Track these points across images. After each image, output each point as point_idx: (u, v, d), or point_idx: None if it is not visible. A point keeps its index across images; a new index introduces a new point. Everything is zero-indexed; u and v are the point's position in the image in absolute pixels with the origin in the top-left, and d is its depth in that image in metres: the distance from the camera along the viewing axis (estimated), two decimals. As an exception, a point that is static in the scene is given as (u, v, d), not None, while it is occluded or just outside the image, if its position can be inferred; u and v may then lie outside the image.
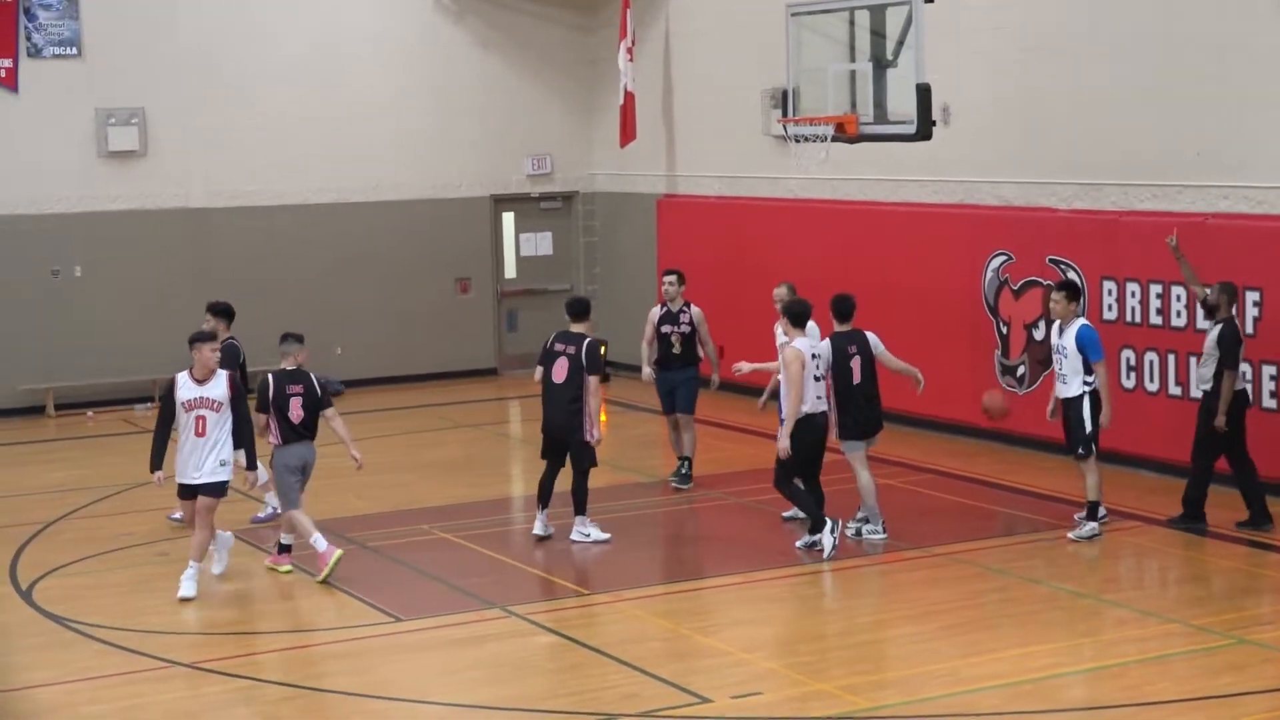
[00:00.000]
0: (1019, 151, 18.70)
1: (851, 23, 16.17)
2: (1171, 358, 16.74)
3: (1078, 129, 17.97)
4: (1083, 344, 14.99)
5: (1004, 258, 18.65)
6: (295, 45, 24.10)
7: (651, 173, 24.59)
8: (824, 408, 14.72)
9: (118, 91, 23.13)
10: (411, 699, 11.47)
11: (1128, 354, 17.02)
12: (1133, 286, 17.13)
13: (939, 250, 19.37)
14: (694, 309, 17.28)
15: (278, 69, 24.00)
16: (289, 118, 24.06)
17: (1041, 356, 18.14)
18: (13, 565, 15.07)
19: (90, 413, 22.89)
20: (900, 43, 15.73)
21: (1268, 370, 15.92)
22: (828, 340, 15.10)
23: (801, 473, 14.78)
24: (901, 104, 15.61)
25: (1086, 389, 15.00)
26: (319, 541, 14.16)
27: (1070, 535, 15.01)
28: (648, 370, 17.32)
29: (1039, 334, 18.16)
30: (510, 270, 25.96)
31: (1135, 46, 17.28)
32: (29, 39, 22.68)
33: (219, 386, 13.59)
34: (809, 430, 14.57)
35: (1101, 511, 15.18)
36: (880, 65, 15.94)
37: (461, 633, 12.92)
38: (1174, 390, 16.69)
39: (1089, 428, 15.02)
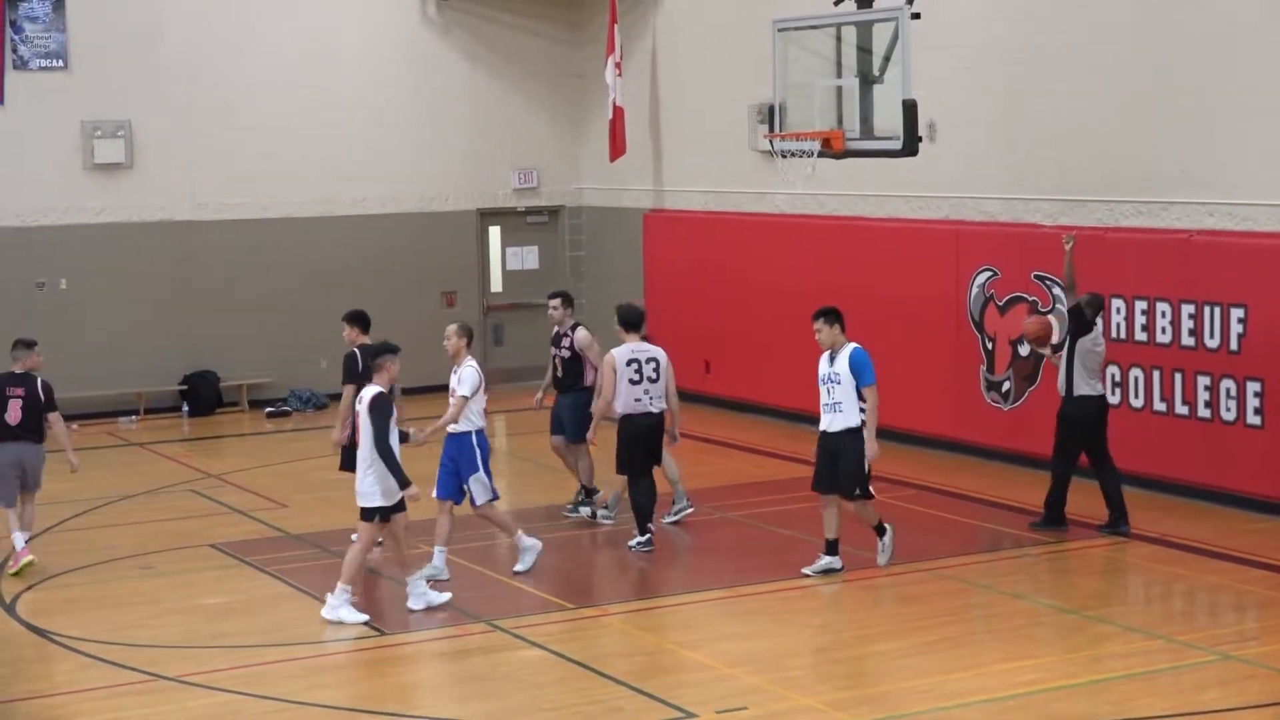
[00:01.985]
0: (1005, 168, 18.73)
1: (838, 38, 16.18)
2: (1156, 374, 16.76)
3: (1063, 145, 18.01)
4: (856, 368, 14.11)
5: (989, 273, 18.67)
6: (282, 58, 24.11)
7: (638, 187, 24.61)
8: (646, 409, 15.36)
9: (104, 104, 23.13)
10: (396, 713, 11.46)
11: (1113, 370, 17.02)
12: (1118, 303, 17.15)
13: (924, 266, 19.38)
14: (579, 333, 16.65)
15: (264, 82, 24.00)
16: (276, 130, 24.05)
17: (1023, 374, 18.19)
18: (-4, 578, 15.07)
19: (74, 425, 22.80)
20: (887, 59, 15.74)
21: (1252, 387, 15.94)
22: (626, 346, 15.60)
23: (633, 469, 15.50)
24: (888, 120, 15.63)
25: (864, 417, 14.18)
26: (18, 539, 15.07)
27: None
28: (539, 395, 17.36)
29: (1024, 350, 18.20)
30: (496, 284, 25.97)
31: (1121, 63, 17.33)
32: (15, 51, 22.67)
33: None
34: (627, 429, 15.38)
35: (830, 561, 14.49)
36: (867, 81, 15.95)
37: (445, 647, 12.92)
38: (1159, 406, 16.72)
39: (868, 465, 14.24)
